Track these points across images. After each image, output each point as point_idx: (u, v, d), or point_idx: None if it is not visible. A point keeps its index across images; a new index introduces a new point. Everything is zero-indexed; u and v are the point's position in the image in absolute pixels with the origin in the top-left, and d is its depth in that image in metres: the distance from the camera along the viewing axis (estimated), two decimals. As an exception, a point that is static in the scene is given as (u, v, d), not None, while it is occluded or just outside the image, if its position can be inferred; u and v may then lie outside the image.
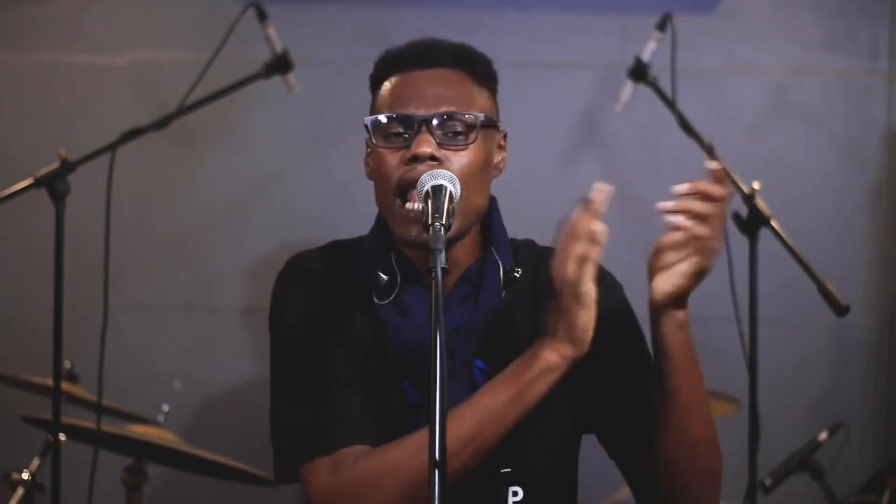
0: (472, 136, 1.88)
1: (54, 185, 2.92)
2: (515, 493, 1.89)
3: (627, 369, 1.91)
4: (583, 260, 1.74)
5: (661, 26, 3.39)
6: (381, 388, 1.89)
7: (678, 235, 1.76)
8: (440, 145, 1.86)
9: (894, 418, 3.92)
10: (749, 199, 2.92)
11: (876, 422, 3.90)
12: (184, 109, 3.19)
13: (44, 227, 2.99)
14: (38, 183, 2.92)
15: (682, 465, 1.85)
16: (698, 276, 1.78)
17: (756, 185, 2.93)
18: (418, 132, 1.86)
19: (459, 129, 1.88)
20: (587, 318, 1.74)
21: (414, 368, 1.87)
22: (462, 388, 1.84)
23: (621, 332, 1.93)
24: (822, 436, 3.32)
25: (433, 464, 1.52)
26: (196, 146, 3.84)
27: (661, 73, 3.35)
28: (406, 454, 1.78)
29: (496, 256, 1.94)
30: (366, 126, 1.92)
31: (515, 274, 1.93)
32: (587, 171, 3.85)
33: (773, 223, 2.89)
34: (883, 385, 3.92)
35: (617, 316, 1.93)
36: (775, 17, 3.94)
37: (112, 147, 3.05)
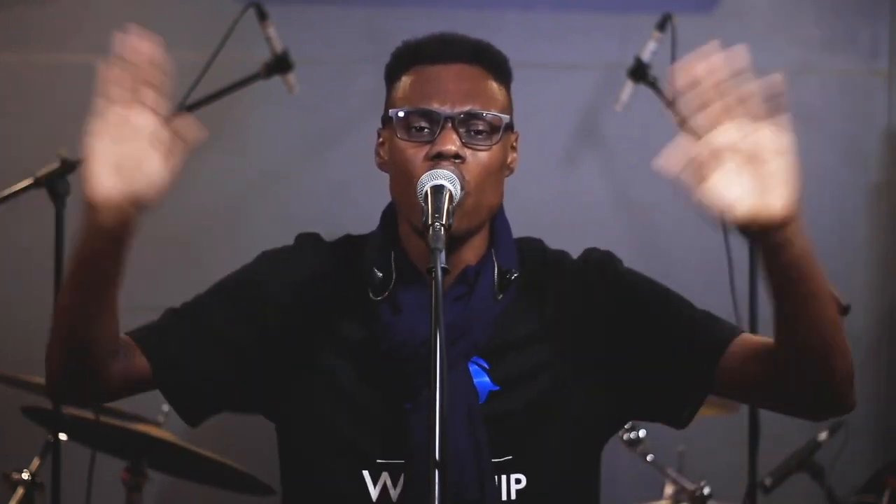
0: (496, 137, 1.88)
1: (54, 185, 2.92)
2: (518, 481, 1.89)
3: (665, 320, 1.88)
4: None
5: (661, 26, 3.39)
6: (376, 383, 1.89)
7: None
8: (464, 144, 1.86)
9: (894, 418, 3.92)
10: (749, 199, 2.91)
11: (876, 422, 3.91)
12: (184, 109, 3.19)
13: (44, 227, 2.98)
14: (38, 183, 2.93)
15: (808, 363, 1.69)
16: (763, 188, 1.57)
17: (756, 185, 2.92)
18: (443, 129, 1.85)
19: (483, 129, 1.87)
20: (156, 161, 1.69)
21: (403, 366, 1.87)
22: (450, 384, 1.84)
23: (640, 302, 1.91)
24: (822, 436, 3.32)
25: (433, 464, 1.52)
26: (196, 146, 3.83)
27: (661, 73, 3.35)
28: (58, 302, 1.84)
29: (494, 258, 1.93)
30: (389, 118, 1.90)
31: (511, 276, 1.92)
32: (587, 172, 3.85)
33: (774, 223, 2.88)
34: (883, 385, 3.92)
35: (627, 291, 1.92)
36: (775, 17, 3.94)
37: (112, 147, 3.04)
